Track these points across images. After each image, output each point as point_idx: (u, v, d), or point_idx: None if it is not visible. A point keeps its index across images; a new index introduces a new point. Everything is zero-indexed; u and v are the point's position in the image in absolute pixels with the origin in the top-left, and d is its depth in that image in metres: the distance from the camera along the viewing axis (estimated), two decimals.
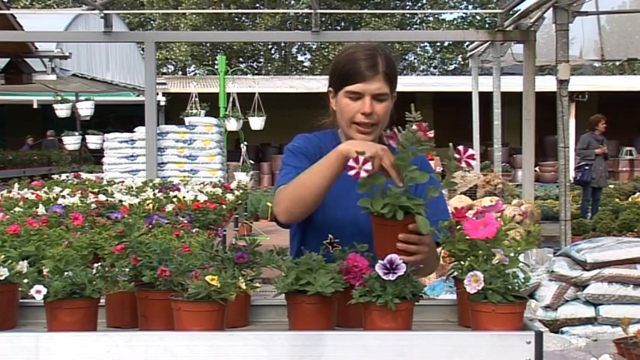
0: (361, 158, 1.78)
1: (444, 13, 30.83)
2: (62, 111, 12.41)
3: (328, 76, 2.25)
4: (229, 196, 6.93)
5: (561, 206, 7.47)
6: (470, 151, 1.80)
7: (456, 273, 1.84)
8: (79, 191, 5.89)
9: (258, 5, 29.20)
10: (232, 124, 11.34)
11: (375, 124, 2.13)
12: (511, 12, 8.75)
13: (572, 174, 9.94)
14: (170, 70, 30.87)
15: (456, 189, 9.00)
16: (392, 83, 2.16)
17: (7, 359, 1.62)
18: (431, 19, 29.62)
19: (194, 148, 9.39)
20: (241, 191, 8.52)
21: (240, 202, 8.40)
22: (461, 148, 1.79)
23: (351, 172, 1.78)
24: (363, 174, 1.77)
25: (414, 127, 1.79)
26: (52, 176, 9.87)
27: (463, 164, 1.80)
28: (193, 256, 1.89)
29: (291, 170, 2.14)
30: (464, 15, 29.49)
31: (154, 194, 5.79)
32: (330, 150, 2.03)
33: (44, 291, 1.70)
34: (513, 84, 12.07)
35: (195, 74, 28.32)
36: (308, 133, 2.30)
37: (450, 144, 1.82)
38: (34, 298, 1.71)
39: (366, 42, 2.24)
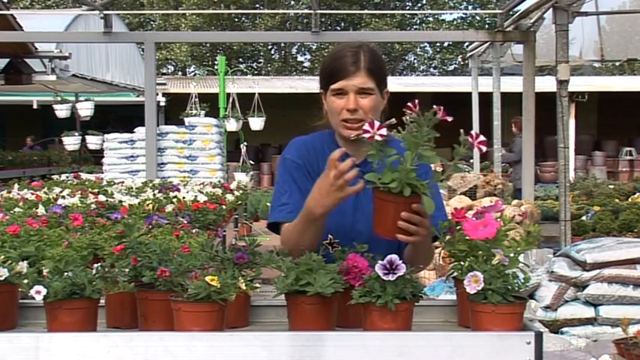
0: (376, 123, 1.77)
1: (443, 14, 30.84)
2: (62, 111, 12.41)
3: (319, 78, 2.26)
4: (229, 197, 6.92)
5: (561, 206, 7.46)
6: (481, 137, 1.81)
7: (455, 273, 1.84)
8: (79, 192, 5.89)
9: (258, 5, 29.18)
10: (232, 125, 11.34)
11: (361, 119, 2.13)
12: (511, 12, 8.74)
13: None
14: (170, 71, 30.87)
15: (456, 189, 9.00)
16: (377, 78, 2.16)
17: (7, 359, 1.62)
18: (431, 19, 29.61)
19: (194, 148, 9.39)
20: (241, 192, 8.52)
21: (240, 202, 8.40)
22: (473, 133, 1.80)
23: (366, 135, 1.78)
24: (378, 138, 1.77)
25: (435, 108, 1.80)
26: (52, 177, 9.87)
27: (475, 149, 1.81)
28: (193, 257, 1.89)
29: (285, 190, 2.18)
30: (464, 15, 29.48)
31: (154, 195, 5.78)
32: (327, 151, 2.10)
33: (44, 291, 1.70)
34: (513, 84, 12.06)
35: (195, 74, 28.30)
36: (304, 135, 2.30)
37: (461, 130, 1.82)
38: (34, 298, 1.71)
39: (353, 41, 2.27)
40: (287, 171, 2.21)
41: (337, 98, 2.15)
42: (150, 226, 2.99)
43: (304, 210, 2.02)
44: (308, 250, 2.03)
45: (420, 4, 29.82)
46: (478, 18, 28.67)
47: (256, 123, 11.88)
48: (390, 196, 1.77)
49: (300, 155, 2.22)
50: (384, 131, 1.78)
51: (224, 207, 5.97)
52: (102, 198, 5.28)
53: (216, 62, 17.91)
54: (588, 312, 5.36)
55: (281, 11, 27.64)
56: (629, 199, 11.36)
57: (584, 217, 9.92)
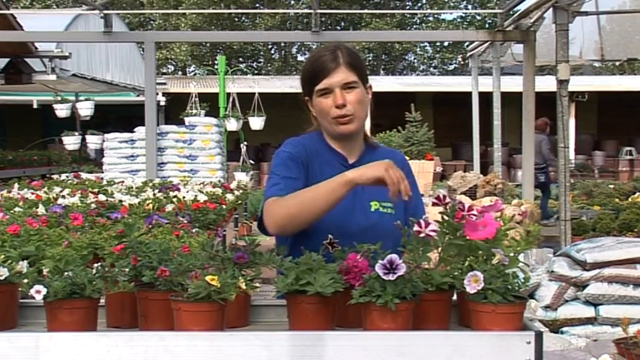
0: (423, 222, 1.81)
1: (443, 13, 30.84)
2: (62, 111, 12.42)
3: (301, 85, 2.27)
4: (229, 196, 6.92)
5: (561, 206, 7.46)
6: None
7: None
8: (79, 191, 5.89)
9: (258, 5, 29.18)
10: (232, 124, 11.36)
11: (351, 114, 2.16)
12: (511, 12, 8.74)
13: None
14: (170, 70, 30.86)
15: (456, 189, 9.00)
16: (358, 72, 2.18)
17: (7, 359, 1.63)
18: (431, 19, 29.61)
19: (194, 148, 9.39)
20: (241, 191, 8.52)
21: (240, 202, 8.40)
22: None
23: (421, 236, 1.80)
24: (431, 234, 1.80)
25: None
26: (52, 176, 9.87)
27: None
28: (193, 256, 1.89)
29: (279, 180, 2.15)
30: (464, 15, 29.49)
31: (154, 194, 5.78)
32: (320, 151, 2.19)
33: (44, 291, 1.70)
34: (513, 84, 12.06)
35: (195, 74, 28.31)
36: (296, 136, 2.32)
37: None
38: (34, 298, 1.71)
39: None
40: (281, 161, 2.21)
41: (324, 98, 2.17)
42: (150, 226, 2.99)
43: (335, 177, 2.01)
44: (299, 227, 2.06)
45: (419, 4, 29.82)
46: (478, 17, 28.66)
47: (256, 123, 11.89)
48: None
49: (296, 150, 2.22)
50: (433, 227, 1.80)
51: (224, 207, 5.97)
52: (102, 198, 5.29)
53: (216, 62, 17.91)
54: (588, 312, 5.36)
55: (281, 11, 27.63)
56: (629, 199, 11.36)
57: (584, 217, 9.92)
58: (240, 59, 30.19)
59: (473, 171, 11.11)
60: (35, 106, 16.48)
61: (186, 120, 9.88)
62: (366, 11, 28.30)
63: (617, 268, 5.38)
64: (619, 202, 11.22)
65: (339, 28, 29.49)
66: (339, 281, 1.73)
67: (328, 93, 2.16)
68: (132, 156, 9.36)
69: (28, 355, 1.63)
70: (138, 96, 16.72)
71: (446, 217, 1.82)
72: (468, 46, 13.51)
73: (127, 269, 1.84)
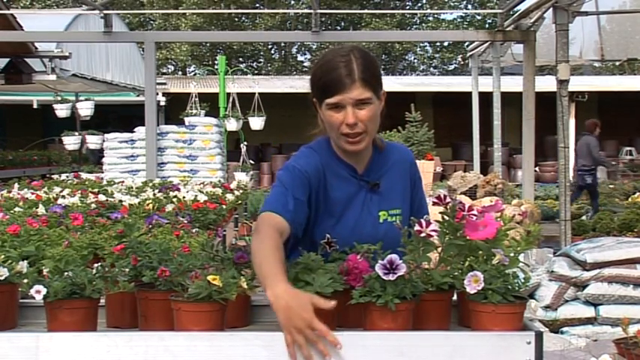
0: (424, 222, 1.82)
1: (443, 13, 30.83)
2: (62, 111, 12.43)
3: (310, 87, 2.16)
4: (229, 196, 6.92)
5: (561, 206, 7.47)
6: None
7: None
8: (79, 191, 5.89)
9: (258, 5, 29.17)
10: (232, 124, 11.36)
11: (362, 132, 2.06)
12: (511, 12, 8.75)
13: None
14: (170, 70, 30.84)
15: (456, 189, 9.00)
16: (373, 86, 2.07)
17: (7, 359, 1.63)
18: (431, 19, 29.60)
19: (194, 148, 9.39)
20: (241, 191, 8.52)
21: (240, 202, 8.39)
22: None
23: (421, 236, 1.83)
24: (432, 234, 1.81)
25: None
26: (52, 176, 9.87)
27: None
28: (193, 257, 1.89)
29: (282, 192, 2.05)
30: (464, 15, 29.48)
31: (154, 194, 5.79)
32: (329, 164, 2.13)
33: (44, 291, 1.70)
34: (513, 84, 12.06)
35: (195, 74, 28.30)
36: (312, 144, 2.22)
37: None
38: (34, 298, 1.71)
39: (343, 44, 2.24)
40: (290, 175, 2.10)
41: (334, 112, 2.06)
42: (150, 226, 2.99)
43: (264, 283, 1.75)
44: None
45: (420, 4, 29.81)
46: (478, 17, 28.65)
47: (256, 123, 11.89)
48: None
49: (309, 164, 2.13)
50: (434, 227, 1.79)
51: (224, 207, 5.97)
52: (102, 198, 5.29)
53: (216, 62, 17.91)
54: (588, 312, 5.36)
55: (281, 11, 27.61)
56: (629, 199, 11.36)
57: (584, 217, 9.92)
58: (240, 59, 30.18)
59: (473, 171, 11.11)
60: (35, 106, 16.48)
61: (186, 120, 9.88)
62: (366, 11, 28.29)
63: (617, 268, 5.38)
64: (619, 202, 11.24)
65: (339, 28, 29.48)
66: (338, 281, 1.73)
67: (339, 107, 2.05)
68: (132, 156, 9.36)
69: (28, 355, 1.63)
70: (138, 96, 16.72)
71: (446, 217, 1.82)
72: (468, 46, 13.51)
73: (127, 269, 1.84)
